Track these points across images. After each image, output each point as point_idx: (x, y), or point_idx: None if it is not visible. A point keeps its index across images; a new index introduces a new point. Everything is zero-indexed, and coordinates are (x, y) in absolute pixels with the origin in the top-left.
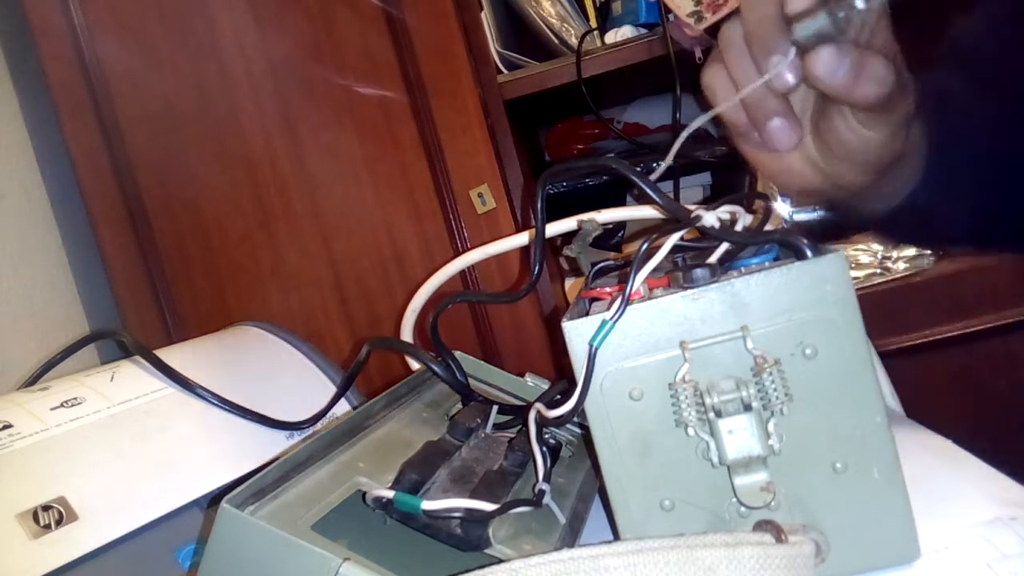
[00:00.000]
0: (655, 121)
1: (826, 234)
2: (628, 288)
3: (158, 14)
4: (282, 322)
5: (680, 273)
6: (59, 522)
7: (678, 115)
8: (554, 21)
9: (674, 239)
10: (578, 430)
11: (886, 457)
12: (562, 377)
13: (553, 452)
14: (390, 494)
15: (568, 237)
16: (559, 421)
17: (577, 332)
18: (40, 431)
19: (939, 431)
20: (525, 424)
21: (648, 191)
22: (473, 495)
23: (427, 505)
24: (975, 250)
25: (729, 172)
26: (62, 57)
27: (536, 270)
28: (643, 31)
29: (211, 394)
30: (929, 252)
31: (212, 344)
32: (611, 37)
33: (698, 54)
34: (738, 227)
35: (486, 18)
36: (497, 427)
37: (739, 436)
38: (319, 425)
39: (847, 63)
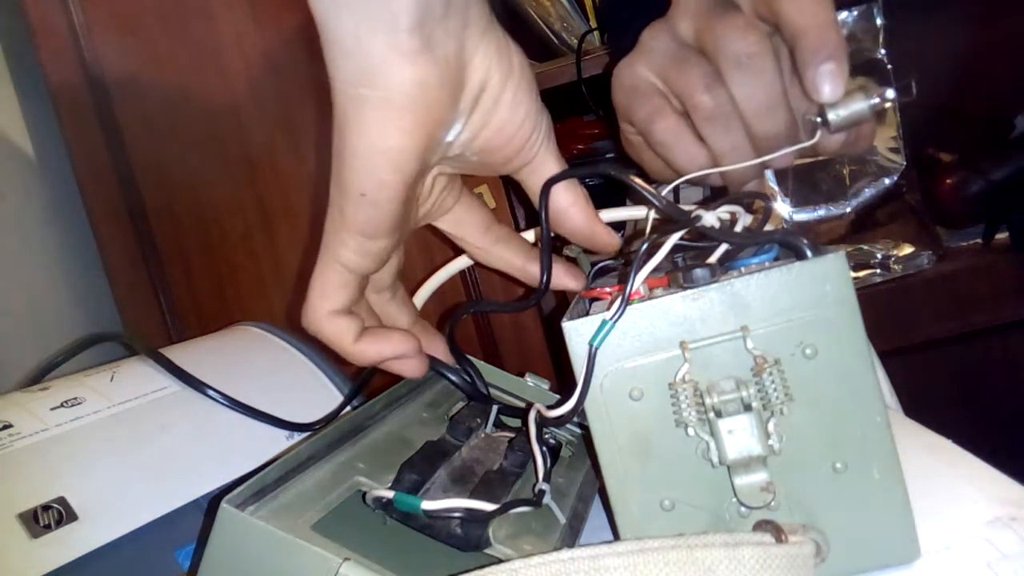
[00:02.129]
0: None
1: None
2: (628, 288)
3: (158, 14)
4: (283, 322)
5: (680, 273)
6: (59, 522)
7: None
8: (554, 21)
9: (674, 239)
10: (578, 430)
11: (886, 457)
12: (562, 377)
13: (553, 452)
14: (390, 494)
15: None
16: (559, 421)
17: (577, 332)
18: (40, 431)
19: (939, 431)
20: (525, 424)
21: (647, 196)
22: (473, 495)
23: (427, 505)
24: None
25: None
26: (62, 57)
27: (545, 278)
28: None
29: (222, 395)
30: (929, 252)
31: (212, 344)
32: None
33: None
34: (738, 227)
35: None
36: (497, 427)
37: (739, 436)
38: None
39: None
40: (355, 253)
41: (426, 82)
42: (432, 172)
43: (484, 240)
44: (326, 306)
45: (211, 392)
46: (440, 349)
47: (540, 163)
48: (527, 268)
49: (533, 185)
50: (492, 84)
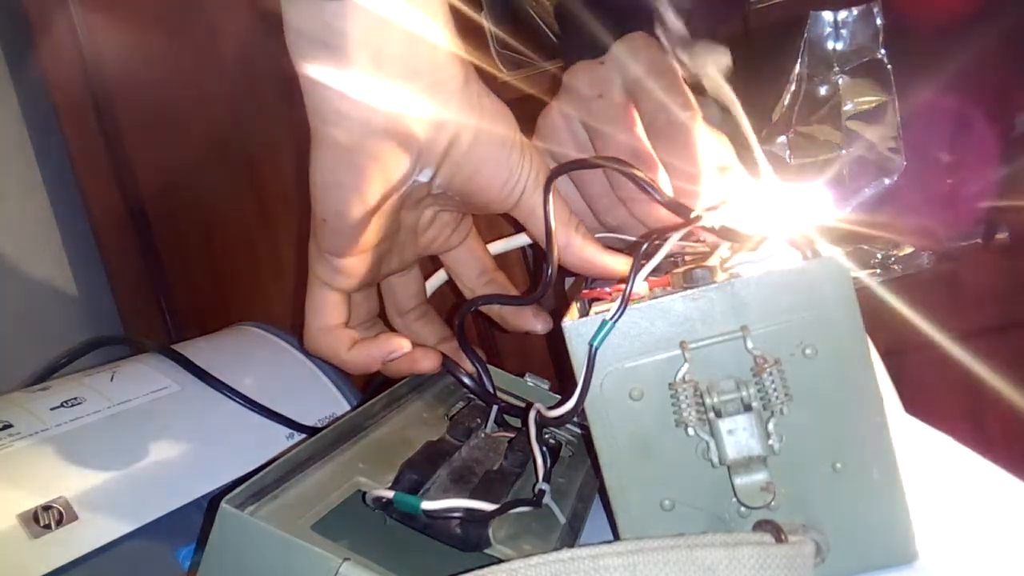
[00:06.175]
0: None
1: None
2: (628, 288)
3: (158, 14)
4: (282, 322)
5: (680, 273)
6: (59, 522)
7: None
8: (554, 21)
9: (674, 239)
10: (578, 430)
11: (886, 457)
12: (562, 377)
13: (553, 452)
14: (390, 494)
15: None
16: (559, 421)
17: (577, 332)
18: (40, 431)
19: (939, 431)
20: (525, 424)
21: (649, 191)
22: (473, 495)
23: (427, 505)
24: None
25: None
26: (62, 57)
27: (550, 271)
28: None
29: (238, 395)
30: (929, 251)
31: (212, 345)
32: None
33: None
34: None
35: (486, 18)
36: (498, 426)
37: (739, 436)
38: None
39: None
40: (330, 270)
41: (371, 128)
42: (430, 209)
43: (475, 283)
44: (317, 323)
45: (228, 391)
46: (466, 363)
47: (527, 210)
48: (502, 313)
49: (526, 227)
50: (461, 139)
